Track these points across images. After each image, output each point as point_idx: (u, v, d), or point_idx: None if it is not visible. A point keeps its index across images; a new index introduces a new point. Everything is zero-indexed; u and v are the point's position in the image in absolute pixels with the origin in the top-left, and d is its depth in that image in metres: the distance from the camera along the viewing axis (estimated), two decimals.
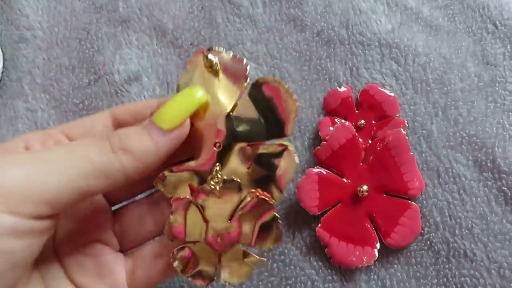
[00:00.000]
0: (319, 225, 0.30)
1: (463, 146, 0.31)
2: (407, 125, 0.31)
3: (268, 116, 0.21)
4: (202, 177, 0.22)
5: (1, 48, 0.37)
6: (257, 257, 0.22)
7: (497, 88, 0.32)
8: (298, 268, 0.30)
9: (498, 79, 0.33)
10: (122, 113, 0.23)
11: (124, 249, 0.24)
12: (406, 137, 0.29)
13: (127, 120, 0.23)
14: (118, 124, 0.23)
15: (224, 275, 0.22)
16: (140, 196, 0.25)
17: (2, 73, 0.37)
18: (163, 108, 0.20)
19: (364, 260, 0.29)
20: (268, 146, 0.22)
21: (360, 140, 0.31)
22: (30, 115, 0.35)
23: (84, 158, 0.18)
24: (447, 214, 0.30)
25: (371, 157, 0.30)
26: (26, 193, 0.17)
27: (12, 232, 0.17)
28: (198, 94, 0.21)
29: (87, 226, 0.22)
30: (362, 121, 0.32)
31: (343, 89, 0.33)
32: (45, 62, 0.37)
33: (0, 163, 0.17)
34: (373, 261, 0.29)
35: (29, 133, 0.22)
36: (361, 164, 0.30)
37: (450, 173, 0.31)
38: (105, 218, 0.23)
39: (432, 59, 0.33)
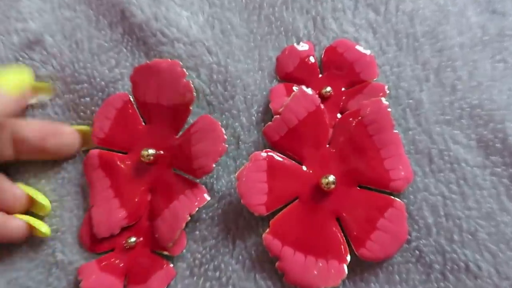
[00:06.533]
0: (268, 230, 0.23)
1: (462, 120, 0.25)
2: (387, 92, 0.25)
3: None
4: None
5: None
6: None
7: (506, 44, 0.26)
8: None
9: (507, 32, 0.26)
10: None
11: None
12: (389, 109, 0.23)
13: None
14: None
15: None
16: None
17: None
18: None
19: (329, 279, 0.22)
20: None
21: (326, 113, 0.24)
22: None
23: None
24: (442, 213, 0.23)
25: (340, 137, 0.24)
26: None
27: None
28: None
29: None
30: (328, 89, 0.25)
31: (303, 46, 0.27)
32: None
33: None
34: (341, 281, 0.22)
35: None
36: (327, 146, 0.24)
37: (446, 157, 0.24)
38: None
39: (421, 6, 0.27)
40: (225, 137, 0.23)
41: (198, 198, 0.23)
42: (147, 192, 0.25)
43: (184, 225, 0.23)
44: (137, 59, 0.27)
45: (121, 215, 0.24)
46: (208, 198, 0.23)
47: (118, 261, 0.24)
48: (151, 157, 0.24)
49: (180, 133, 0.25)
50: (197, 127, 0.24)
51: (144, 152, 0.24)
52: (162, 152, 0.25)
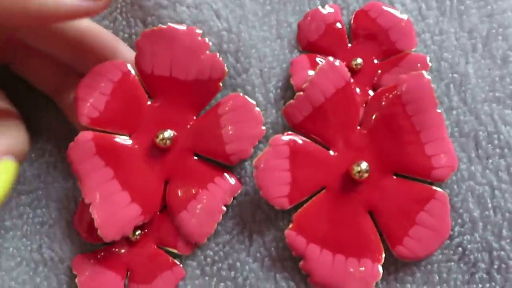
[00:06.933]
0: (291, 225, 0.20)
1: None
2: (429, 66, 0.22)
3: None
4: None
5: None
6: None
7: None
8: None
9: None
10: None
11: None
12: (431, 85, 0.20)
13: None
14: None
15: None
16: None
17: None
18: None
19: (361, 280, 0.20)
20: None
21: (357, 90, 0.22)
22: None
23: None
24: (489, 205, 0.20)
25: (374, 118, 0.21)
26: None
27: None
28: None
29: None
30: (359, 60, 0.22)
31: (328, 9, 0.23)
32: None
33: None
34: (375, 283, 0.20)
35: None
36: (358, 128, 0.21)
37: (496, 141, 0.21)
38: None
39: None
40: (263, 119, 0.21)
41: (233, 186, 0.21)
42: (162, 182, 0.21)
43: (220, 217, 0.21)
44: (133, 28, 0.23)
45: (134, 211, 0.20)
46: (241, 186, 0.22)
47: (119, 254, 0.21)
48: (168, 141, 0.21)
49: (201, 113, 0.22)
50: (228, 107, 0.21)
51: (160, 135, 0.21)
52: (178, 134, 0.22)
